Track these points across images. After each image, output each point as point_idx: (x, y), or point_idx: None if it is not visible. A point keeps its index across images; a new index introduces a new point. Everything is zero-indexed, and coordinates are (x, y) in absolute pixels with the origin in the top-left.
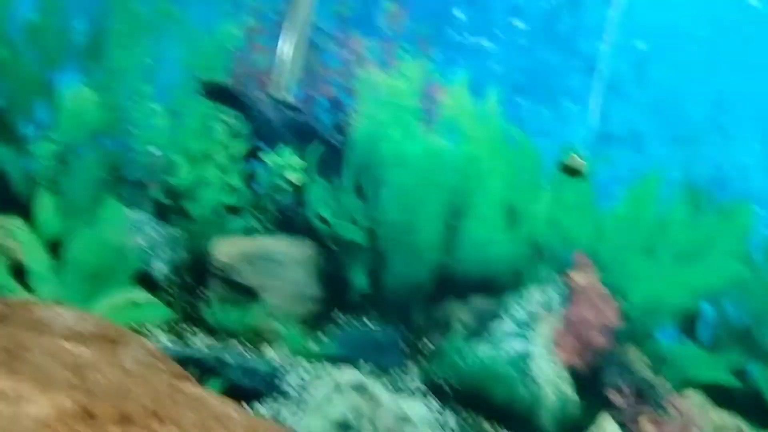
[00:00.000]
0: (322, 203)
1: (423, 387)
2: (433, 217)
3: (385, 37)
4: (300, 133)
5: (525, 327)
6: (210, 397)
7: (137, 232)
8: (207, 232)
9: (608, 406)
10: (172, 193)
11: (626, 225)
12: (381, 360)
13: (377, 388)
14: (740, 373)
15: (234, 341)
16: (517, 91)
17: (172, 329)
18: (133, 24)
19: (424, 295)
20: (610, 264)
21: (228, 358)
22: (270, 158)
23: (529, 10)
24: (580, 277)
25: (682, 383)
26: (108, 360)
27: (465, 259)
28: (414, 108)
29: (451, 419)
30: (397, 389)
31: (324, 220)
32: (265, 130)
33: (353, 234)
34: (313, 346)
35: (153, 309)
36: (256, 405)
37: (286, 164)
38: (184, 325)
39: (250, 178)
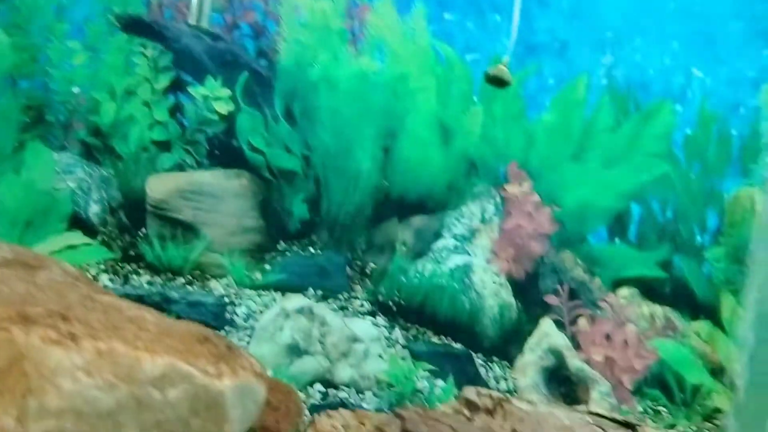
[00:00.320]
0: (254, 133)
1: (370, 307)
2: (367, 140)
3: None
4: (224, 62)
5: (464, 241)
6: (126, 303)
7: (67, 175)
8: (138, 170)
9: (547, 309)
10: (99, 132)
11: (555, 133)
12: (327, 284)
13: (325, 311)
14: (666, 266)
15: (178, 278)
16: (442, 6)
17: (113, 270)
18: None
19: (365, 218)
20: (542, 173)
21: (173, 293)
22: (196, 90)
23: None
24: (514, 189)
25: (615, 281)
26: (20, 277)
27: (402, 180)
28: (340, 29)
29: (399, 335)
30: (345, 311)
31: (257, 150)
32: (187, 62)
33: (288, 162)
34: (259, 277)
35: (91, 251)
36: None
37: (213, 95)
38: (126, 266)
39: (176, 112)
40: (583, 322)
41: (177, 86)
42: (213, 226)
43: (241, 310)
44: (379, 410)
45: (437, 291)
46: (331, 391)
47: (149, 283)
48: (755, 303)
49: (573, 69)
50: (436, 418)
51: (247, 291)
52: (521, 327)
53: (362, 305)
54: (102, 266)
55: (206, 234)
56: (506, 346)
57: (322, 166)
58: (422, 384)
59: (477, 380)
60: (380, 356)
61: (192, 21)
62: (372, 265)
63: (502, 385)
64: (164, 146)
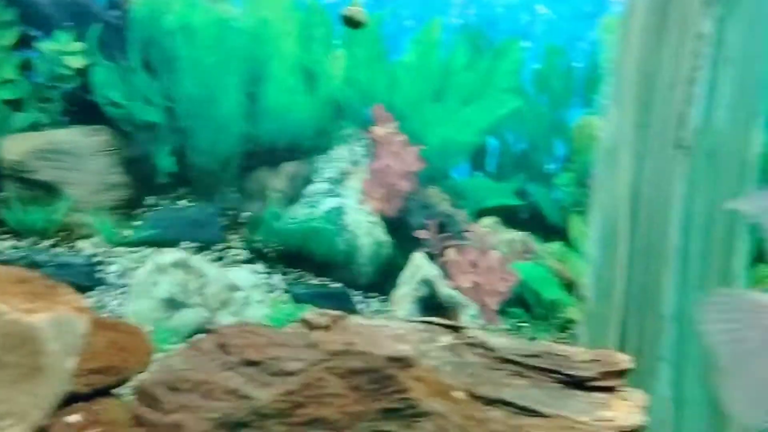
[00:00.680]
0: (111, 86)
1: (248, 255)
2: (231, 88)
3: None
4: (72, 13)
5: (336, 184)
6: None
7: None
8: None
9: (418, 243)
10: None
11: (415, 74)
12: (201, 236)
13: (201, 262)
14: (522, 194)
15: (44, 241)
16: None
17: None
18: None
19: (235, 167)
20: (406, 113)
21: (40, 257)
22: (45, 45)
23: None
24: (380, 130)
25: (478, 211)
26: None
27: (270, 127)
28: None
29: (278, 279)
30: (222, 261)
31: (115, 104)
32: (33, 15)
33: (149, 114)
34: (129, 233)
35: None
36: None
37: (64, 49)
38: None
39: (26, 69)
40: (451, 253)
41: (25, 42)
42: (76, 185)
43: (113, 269)
44: None
45: (313, 234)
46: None
47: (14, 247)
48: (598, 222)
49: (428, 10)
50: (252, 331)
51: (119, 249)
52: (395, 262)
53: (239, 254)
54: None
55: (69, 194)
56: (382, 281)
57: (187, 117)
58: None
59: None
60: (261, 302)
61: None
62: (246, 213)
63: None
64: (16, 105)
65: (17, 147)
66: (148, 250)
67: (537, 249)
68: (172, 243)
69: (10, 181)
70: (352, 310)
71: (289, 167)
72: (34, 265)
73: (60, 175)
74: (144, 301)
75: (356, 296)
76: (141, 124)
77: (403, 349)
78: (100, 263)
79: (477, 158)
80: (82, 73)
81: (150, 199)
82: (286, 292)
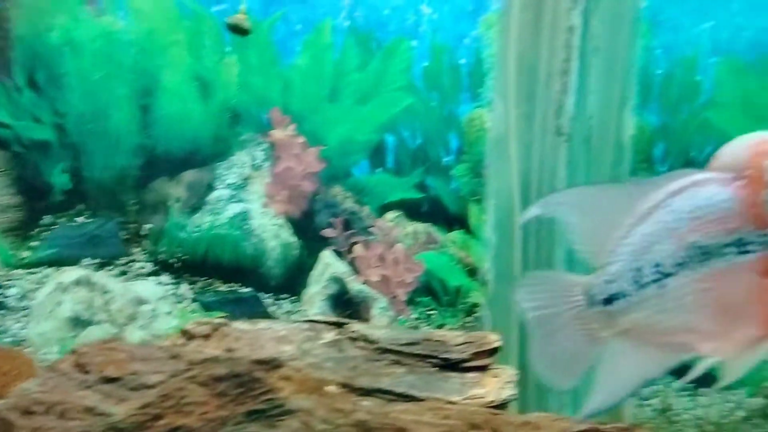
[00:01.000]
0: None
1: (152, 267)
2: (122, 101)
3: None
4: None
5: (238, 189)
6: None
7: None
8: None
9: (325, 242)
10: None
11: (309, 76)
12: (102, 252)
13: (104, 278)
14: (422, 187)
15: None
16: None
17: None
18: None
19: (133, 179)
20: (303, 115)
21: None
22: None
23: None
24: (279, 133)
25: (381, 207)
26: None
27: (166, 137)
28: None
29: (186, 289)
30: (126, 275)
31: (3, 125)
32: None
33: (39, 133)
34: (27, 255)
35: None
36: None
37: None
38: None
39: None
40: (358, 249)
41: None
42: None
43: (12, 292)
44: None
45: (218, 241)
46: None
47: None
48: (494, 208)
49: (317, 14)
50: (113, 348)
51: (17, 271)
52: (304, 262)
53: (143, 267)
54: None
55: None
56: (292, 282)
57: (78, 132)
58: None
59: (268, 318)
60: (169, 314)
61: None
62: (147, 225)
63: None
64: None
65: None
66: (49, 270)
67: (440, 239)
68: (72, 261)
69: None
70: (263, 314)
71: (188, 175)
72: None
73: None
74: (48, 322)
75: (267, 299)
76: (31, 143)
77: (285, 350)
78: None
79: (376, 155)
80: None
81: (47, 219)
82: (195, 301)
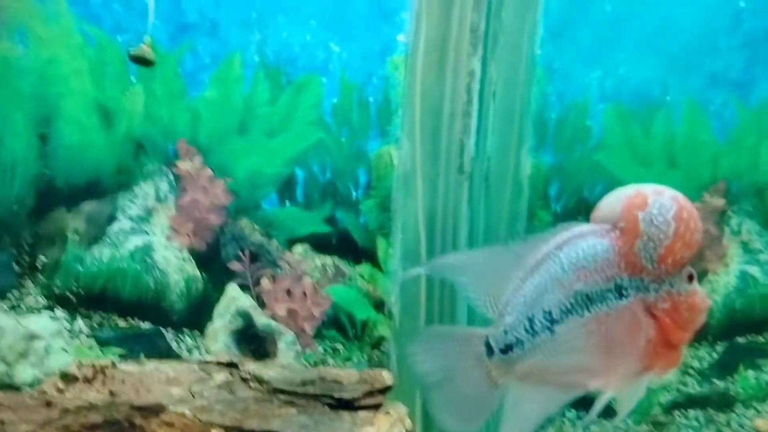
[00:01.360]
0: None
1: (46, 301)
2: (19, 128)
3: None
4: None
5: (141, 221)
6: None
7: None
8: None
9: (232, 275)
10: None
11: (218, 109)
12: None
13: None
14: (331, 220)
15: None
16: None
17: None
18: None
19: (28, 210)
20: (212, 147)
21: None
22: None
23: None
24: (185, 165)
25: (289, 240)
26: None
27: (65, 167)
28: None
29: (82, 324)
30: (18, 309)
31: None
32: None
33: None
34: None
35: None
36: None
37: None
38: None
39: None
40: (265, 282)
41: None
42: None
43: None
44: None
45: (119, 275)
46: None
47: None
48: (400, 242)
49: (226, 47)
50: None
51: None
52: (208, 296)
53: (37, 301)
54: None
55: None
56: (196, 316)
57: None
58: None
59: (170, 354)
60: (64, 349)
61: None
62: (43, 258)
63: (195, 353)
64: None
65: None
66: None
67: (348, 272)
68: None
69: None
70: (165, 349)
71: (88, 206)
72: None
73: None
74: None
75: (169, 334)
76: None
77: (173, 392)
78: None
79: (286, 189)
80: None
81: None
82: (92, 337)
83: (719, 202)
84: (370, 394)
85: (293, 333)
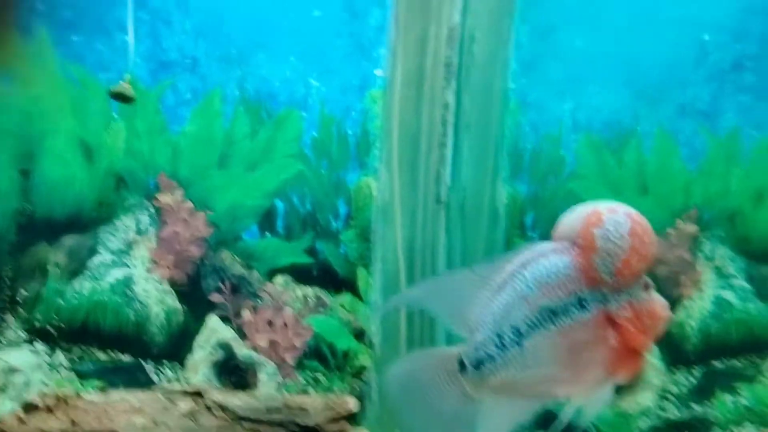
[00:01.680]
0: None
1: (26, 335)
2: (2, 164)
3: None
4: None
5: (122, 254)
6: None
7: None
8: None
9: (212, 306)
10: None
11: (198, 143)
12: None
13: None
14: (311, 251)
15: None
16: (68, 29)
17: None
18: None
19: (9, 243)
20: (192, 181)
21: None
22: None
23: None
24: (166, 198)
25: (270, 271)
26: None
27: (47, 201)
28: None
29: (62, 358)
30: None
31: None
32: None
33: None
34: None
35: None
36: None
37: None
38: None
39: None
40: (246, 313)
41: None
42: None
43: None
44: None
45: (99, 308)
46: None
47: None
48: (380, 272)
49: (207, 83)
50: None
51: None
52: (189, 328)
53: (17, 335)
54: None
55: None
56: (176, 348)
57: None
58: None
59: (150, 387)
60: (44, 383)
61: None
62: (23, 291)
63: (176, 386)
64: None
65: None
66: None
67: (329, 302)
68: None
69: None
70: (145, 381)
71: (69, 240)
72: None
73: None
74: None
75: (150, 366)
76: None
77: (137, 422)
78: None
79: (266, 220)
80: None
81: None
82: (72, 370)
83: (692, 228)
84: (335, 420)
85: (274, 364)
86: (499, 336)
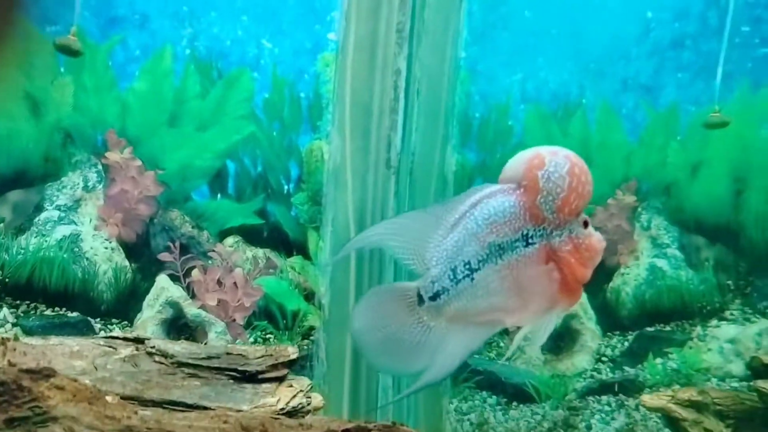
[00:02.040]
0: None
1: None
2: None
3: None
4: None
5: (69, 211)
6: None
7: None
8: None
9: (162, 266)
10: None
11: (148, 101)
12: None
13: None
14: (262, 213)
15: None
16: None
17: None
18: None
19: None
20: (142, 139)
21: None
22: None
23: None
24: (114, 155)
25: (221, 232)
26: None
27: None
28: None
29: (7, 313)
30: None
31: None
32: None
33: None
34: None
35: None
36: None
37: None
38: None
39: None
40: (196, 273)
41: None
42: None
43: None
44: None
45: (45, 264)
46: None
47: None
48: (330, 235)
49: (157, 41)
50: None
51: None
52: (138, 286)
53: None
54: None
55: None
56: (124, 306)
57: None
58: None
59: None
60: None
61: None
62: None
63: (117, 332)
64: None
65: None
66: None
67: (279, 264)
68: None
69: None
70: None
71: (14, 195)
72: None
73: None
74: None
75: (97, 324)
76: None
77: (76, 365)
78: None
79: (217, 181)
80: None
81: None
82: (17, 325)
83: (631, 199)
84: (275, 367)
85: (223, 323)
86: (453, 270)
